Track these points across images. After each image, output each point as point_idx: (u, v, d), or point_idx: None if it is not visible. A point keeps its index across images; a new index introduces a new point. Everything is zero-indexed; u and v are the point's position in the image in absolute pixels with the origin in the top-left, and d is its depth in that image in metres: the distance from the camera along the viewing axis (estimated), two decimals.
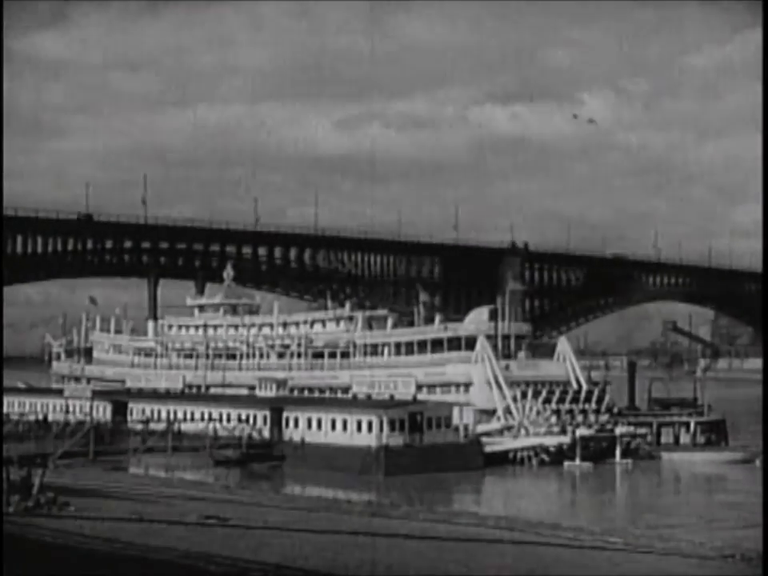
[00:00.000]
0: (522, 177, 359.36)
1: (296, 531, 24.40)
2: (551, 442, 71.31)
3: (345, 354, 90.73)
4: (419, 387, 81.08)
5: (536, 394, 74.14)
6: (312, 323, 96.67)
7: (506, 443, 72.01)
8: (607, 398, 77.28)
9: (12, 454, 37.73)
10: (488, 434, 72.72)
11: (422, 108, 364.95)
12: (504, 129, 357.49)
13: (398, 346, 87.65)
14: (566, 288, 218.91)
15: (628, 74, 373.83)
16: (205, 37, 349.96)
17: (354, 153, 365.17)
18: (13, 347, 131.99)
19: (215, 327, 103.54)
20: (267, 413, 73.77)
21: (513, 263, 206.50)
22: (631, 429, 75.17)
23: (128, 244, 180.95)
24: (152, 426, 72.38)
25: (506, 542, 25.41)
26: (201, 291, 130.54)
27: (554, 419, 72.78)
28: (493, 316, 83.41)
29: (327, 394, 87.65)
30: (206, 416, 74.78)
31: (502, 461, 70.30)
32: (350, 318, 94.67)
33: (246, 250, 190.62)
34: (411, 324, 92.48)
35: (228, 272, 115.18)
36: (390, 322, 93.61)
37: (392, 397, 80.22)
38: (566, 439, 71.38)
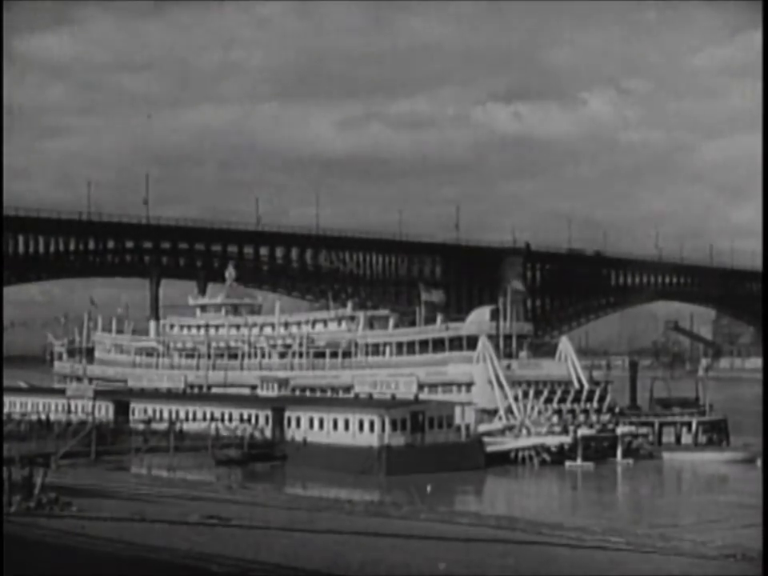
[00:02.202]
0: (523, 176, 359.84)
1: (298, 531, 24.43)
2: (553, 441, 71.32)
3: (346, 354, 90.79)
4: (421, 387, 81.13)
5: (537, 394, 74.14)
6: (314, 323, 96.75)
7: (507, 443, 72.04)
8: (609, 398, 77.27)
9: (14, 454, 37.77)
10: (490, 433, 72.75)
11: (423, 107, 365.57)
12: (505, 128, 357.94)
13: (399, 345, 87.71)
14: (567, 287, 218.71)
15: (629, 73, 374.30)
16: (207, 37, 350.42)
17: (355, 152, 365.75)
18: (21, 346, 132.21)
19: (217, 327, 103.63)
20: (269, 412, 73.83)
21: (514, 263, 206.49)
22: (633, 428, 75.21)
23: (130, 244, 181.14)
24: (154, 425, 72.47)
25: (507, 541, 25.44)
26: (203, 291, 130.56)
27: (555, 419, 72.79)
28: (494, 316, 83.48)
29: (329, 394, 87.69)
30: (208, 416, 74.85)
31: (504, 460, 70.32)
32: (352, 318, 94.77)
33: (248, 250, 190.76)
34: (413, 324, 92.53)
35: (230, 272, 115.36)
36: (391, 321, 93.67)
37: (394, 396, 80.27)
38: (567, 439, 71.40)
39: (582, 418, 73.73)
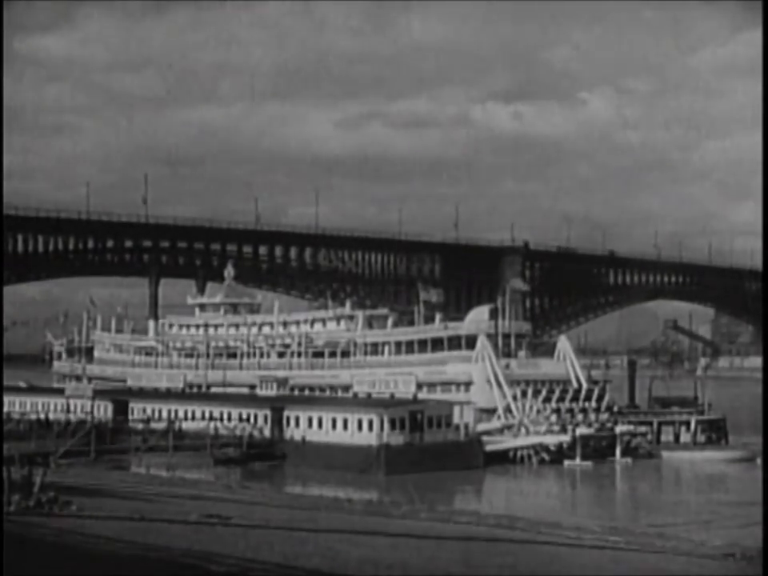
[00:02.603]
0: (522, 175, 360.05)
1: (297, 530, 24.44)
2: (551, 440, 71.40)
3: (345, 353, 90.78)
4: (420, 386, 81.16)
5: (536, 393, 74.24)
6: (312, 322, 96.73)
7: (506, 442, 72.11)
8: (607, 397, 77.39)
9: (13, 453, 37.75)
10: (488, 432, 72.82)
11: (423, 107, 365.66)
12: (505, 128, 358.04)
13: (398, 344, 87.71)
14: (566, 286, 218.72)
15: (629, 73, 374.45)
16: (207, 37, 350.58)
17: (355, 152, 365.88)
18: (20, 346, 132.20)
19: (216, 326, 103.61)
20: (268, 412, 73.87)
21: (513, 262, 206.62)
22: (631, 427, 75.31)
23: (129, 243, 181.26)
24: (153, 425, 72.54)
25: (506, 540, 25.44)
26: (201, 290, 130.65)
27: (554, 418, 72.88)
28: (493, 315, 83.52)
29: (328, 393, 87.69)
30: (207, 415, 74.87)
31: (503, 459, 70.41)
32: (351, 317, 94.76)
33: (247, 249, 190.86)
34: (411, 323, 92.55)
35: (229, 271, 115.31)
36: (390, 320, 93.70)
37: (392, 396, 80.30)
38: (566, 438, 71.49)
39: (580, 417, 73.83)
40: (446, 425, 70.17)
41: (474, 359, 79.31)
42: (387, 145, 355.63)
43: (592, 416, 74.24)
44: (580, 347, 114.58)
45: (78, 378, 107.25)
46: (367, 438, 67.56)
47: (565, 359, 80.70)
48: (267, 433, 72.65)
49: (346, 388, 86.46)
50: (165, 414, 75.51)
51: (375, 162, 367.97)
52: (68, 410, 78.64)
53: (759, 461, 66.62)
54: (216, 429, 71.18)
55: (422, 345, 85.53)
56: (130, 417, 79.02)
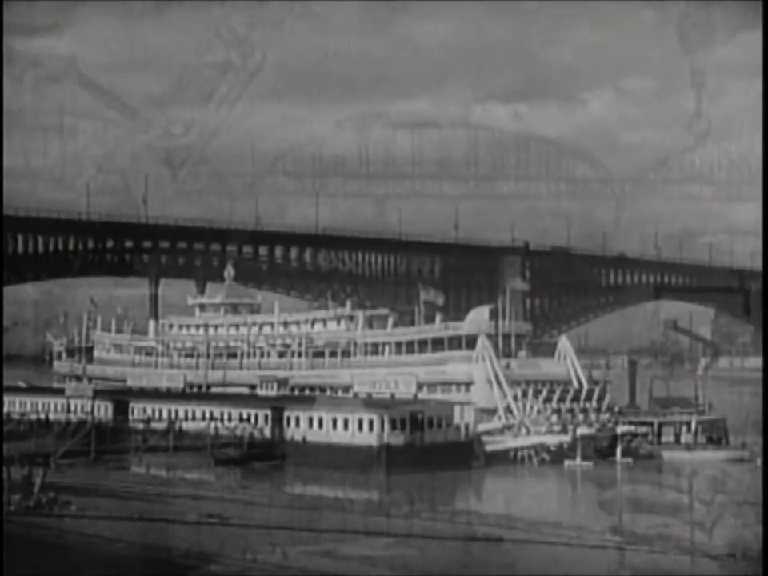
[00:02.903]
0: (522, 175, 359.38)
1: (297, 530, 24.42)
2: (552, 440, 71.32)
3: (346, 353, 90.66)
4: (420, 386, 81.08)
5: (537, 393, 74.10)
6: (313, 322, 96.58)
7: (506, 442, 72.01)
8: (608, 397, 77.22)
9: (13, 453, 37.71)
10: (489, 432, 72.72)
11: (422, 107, 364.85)
12: (505, 127, 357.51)
13: (398, 345, 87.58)
14: (566, 286, 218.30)
15: (629, 73, 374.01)
16: (207, 37, 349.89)
17: (355, 152, 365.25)
18: (20, 346, 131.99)
19: (216, 326, 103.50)
20: (268, 412, 73.78)
21: (513, 262, 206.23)
22: (632, 428, 75.15)
23: (128, 243, 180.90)
24: (153, 425, 72.49)
25: (506, 540, 25.42)
26: (202, 290, 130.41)
27: (554, 418, 72.77)
28: (493, 315, 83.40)
29: (328, 393, 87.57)
30: (207, 415, 74.78)
31: (503, 460, 70.31)
32: (351, 317, 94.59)
33: (247, 250, 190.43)
34: (412, 323, 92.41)
35: (229, 271, 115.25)
36: (390, 321, 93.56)
37: (393, 396, 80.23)
38: (566, 438, 71.39)
39: (581, 417, 73.71)
40: (447, 425, 70.08)
41: (474, 359, 79.21)
42: (387, 145, 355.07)
43: (593, 416, 74.11)
44: (580, 347, 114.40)
45: (78, 378, 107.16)
46: (368, 439, 67.48)
47: (565, 359, 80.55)
48: (267, 433, 72.54)
49: (347, 388, 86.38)
50: (165, 414, 75.44)
51: (375, 162, 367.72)
52: (68, 410, 78.56)
53: (759, 461, 66.51)
54: (216, 429, 71.10)
55: (423, 345, 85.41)
56: (130, 417, 78.91)
